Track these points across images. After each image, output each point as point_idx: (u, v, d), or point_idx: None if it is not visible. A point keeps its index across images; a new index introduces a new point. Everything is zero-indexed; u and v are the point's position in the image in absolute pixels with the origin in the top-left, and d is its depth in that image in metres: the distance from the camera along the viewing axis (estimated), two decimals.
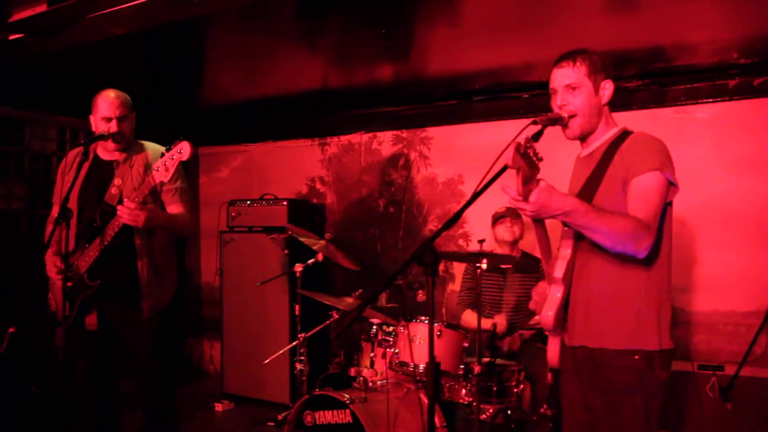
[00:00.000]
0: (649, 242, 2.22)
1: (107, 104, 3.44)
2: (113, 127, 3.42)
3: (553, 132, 2.47)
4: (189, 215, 3.64)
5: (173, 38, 4.20)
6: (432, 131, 5.77)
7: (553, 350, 2.54)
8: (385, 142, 5.99)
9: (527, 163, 2.02)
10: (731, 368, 3.99)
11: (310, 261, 4.49)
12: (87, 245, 3.41)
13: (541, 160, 2.07)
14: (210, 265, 6.63)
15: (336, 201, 6.26)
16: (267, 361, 4.66)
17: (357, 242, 6.01)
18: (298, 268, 4.51)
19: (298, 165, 6.43)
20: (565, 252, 2.43)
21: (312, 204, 6.29)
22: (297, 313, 4.60)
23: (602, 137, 2.50)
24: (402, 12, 3.80)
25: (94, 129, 3.50)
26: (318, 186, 6.36)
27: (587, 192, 2.40)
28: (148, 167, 3.49)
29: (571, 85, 2.44)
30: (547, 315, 2.41)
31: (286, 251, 5.50)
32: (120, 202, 3.31)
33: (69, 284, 3.39)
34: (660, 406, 2.33)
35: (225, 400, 5.74)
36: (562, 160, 4.95)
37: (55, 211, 3.64)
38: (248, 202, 5.92)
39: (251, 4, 3.55)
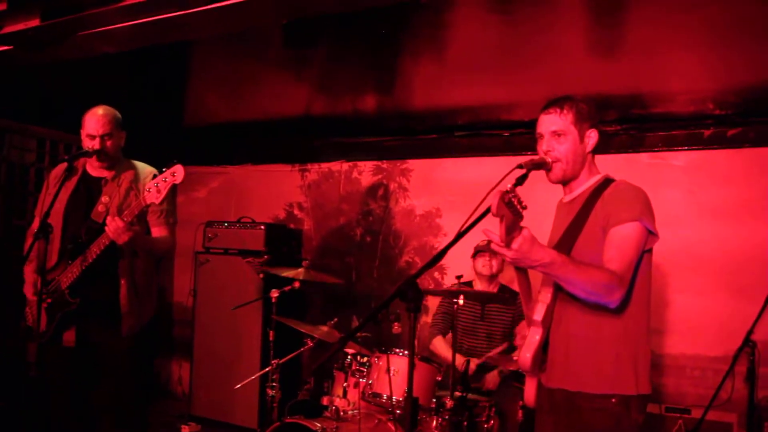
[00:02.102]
0: (620, 294, 2.28)
1: (93, 121, 3.45)
2: (96, 144, 3.44)
3: (533, 174, 2.53)
4: (171, 238, 3.65)
5: (159, 58, 4.22)
6: (412, 163, 5.83)
7: (530, 390, 2.58)
8: (366, 172, 6.04)
9: (511, 211, 2.08)
10: (698, 411, 4.05)
11: (286, 287, 4.49)
12: (70, 261, 3.39)
13: (525, 208, 2.13)
14: (183, 284, 6.59)
15: (313, 227, 6.28)
16: (239, 385, 4.62)
17: (333, 269, 6.00)
18: (274, 293, 4.50)
19: (277, 189, 6.44)
20: (546, 296, 2.48)
21: (289, 229, 6.29)
22: (271, 338, 4.59)
23: (585, 184, 2.55)
24: (388, 45, 3.87)
25: (83, 144, 3.51)
26: (296, 212, 6.37)
27: (569, 238, 2.46)
28: (132, 187, 3.51)
29: (557, 132, 2.50)
30: (525, 356, 2.45)
31: (261, 275, 5.50)
32: (105, 220, 3.31)
33: (49, 300, 3.39)
34: None
35: (192, 423, 5.66)
36: (541, 202, 5.05)
37: (36, 224, 3.59)
38: (225, 224, 5.91)
39: (239, 30, 3.61)
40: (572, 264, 2.26)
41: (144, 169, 3.64)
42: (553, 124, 2.51)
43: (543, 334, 2.45)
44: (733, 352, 3.92)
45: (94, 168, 3.57)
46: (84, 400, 3.57)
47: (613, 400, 2.34)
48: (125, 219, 3.23)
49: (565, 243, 2.45)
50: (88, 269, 3.36)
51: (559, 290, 2.46)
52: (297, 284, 4.46)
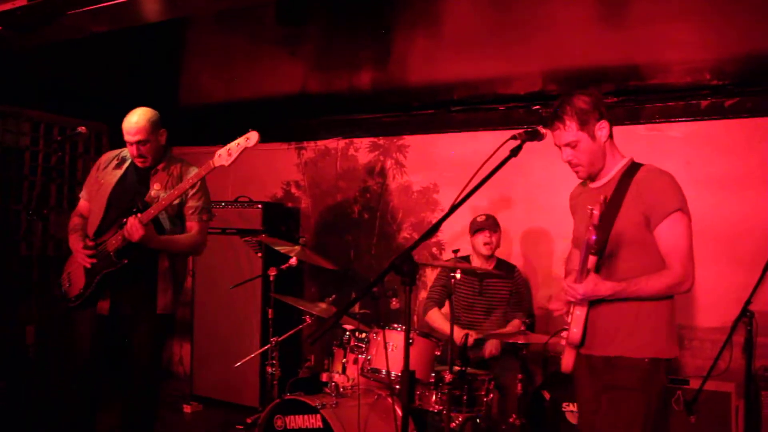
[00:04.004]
0: (690, 283, 2.57)
1: (127, 130, 3.56)
2: (134, 151, 3.57)
3: (529, 145, 2.56)
4: (199, 235, 3.72)
5: (153, 38, 4.18)
6: (409, 139, 5.80)
7: (568, 358, 2.74)
8: (362, 149, 6.02)
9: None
10: (696, 382, 4.06)
11: (284, 265, 4.49)
12: (120, 228, 3.45)
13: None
14: None
15: (311, 206, 6.27)
16: (239, 363, 4.64)
17: (331, 247, 6.01)
18: (272, 272, 4.51)
19: (274, 168, 6.42)
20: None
21: (287, 208, 6.28)
22: (270, 316, 4.60)
23: (612, 170, 2.72)
24: (383, 21, 3.83)
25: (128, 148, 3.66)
26: (293, 190, 6.36)
27: (606, 219, 2.58)
28: (181, 177, 3.65)
29: (570, 144, 2.67)
30: (574, 332, 2.65)
31: (259, 254, 5.50)
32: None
33: (93, 260, 3.51)
34: (657, 410, 2.61)
35: (194, 402, 5.72)
36: (538, 171, 5.02)
37: (82, 206, 3.81)
38: (223, 204, 5.89)
39: (232, 8, 3.57)
40: (633, 286, 2.55)
41: (189, 165, 3.75)
42: (562, 138, 2.68)
43: (587, 310, 2.64)
44: (730, 323, 3.93)
45: (140, 164, 3.67)
46: (98, 371, 3.66)
47: (646, 360, 2.58)
48: (143, 219, 3.34)
49: (603, 226, 2.56)
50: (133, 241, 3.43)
51: (601, 270, 2.63)
52: (294, 261, 4.46)
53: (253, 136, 3.27)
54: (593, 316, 2.66)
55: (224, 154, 3.32)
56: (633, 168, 2.67)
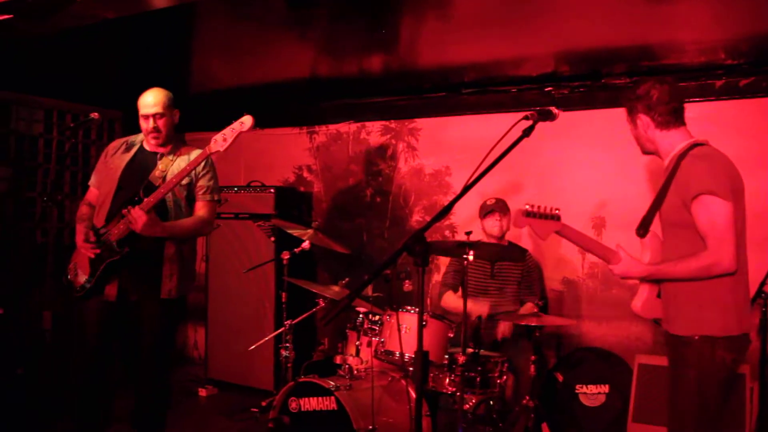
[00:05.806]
0: (727, 263, 2.59)
1: (144, 103, 3.64)
2: (149, 125, 3.61)
3: (541, 127, 2.57)
4: (206, 215, 3.74)
5: (162, 24, 4.18)
6: (420, 122, 5.79)
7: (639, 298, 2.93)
8: (374, 132, 6.01)
9: (540, 218, 2.55)
10: None
11: (297, 249, 4.51)
12: (122, 217, 3.47)
13: (556, 210, 2.63)
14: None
15: (323, 190, 6.28)
16: (253, 347, 4.68)
17: (343, 231, 6.02)
18: (286, 255, 4.53)
19: (286, 153, 6.42)
20: (645, 256, 2.88)
21: (299, 192, 6.30)
22: (284, 300, 4.62)
23: (671, 152, 2.85)
24: (392, 2, 3.81)
25: (140, 125, 3.71)
26: (305, 174, 6.37)
27: (657, 204, 2.82)
28: (186, 161, 3.64)
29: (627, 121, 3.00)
30: (635, 304, 2.92)
31: (272, 238, 5.52)
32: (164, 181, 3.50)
33: (96, 251, 3.53)
34: (722, 384, 2.70)
35: (209, 386, 5.76)
36: (549, 153, 5.00)
37: (90, 194, 3.83)
38: (235, 189, 5.91)
39: None
40: (664, 270, 2.74)
41: (195, 149, 3.75)
42: None
43: (649, 287, 2.86)
44: None
45: (150, 145, 3.72)
46: (111, 357, 3.70)
47: (696, 338, 2.67)
48: (143, 207, 3.35)
49: (654, 209, 2.82)
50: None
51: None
52: (307, 245, 4.47)
53: (247, 120, 3.29)
54: (663, 295, 2.84)
55: (219, 140, 3.33)
56: (684, 154, 2.75)
